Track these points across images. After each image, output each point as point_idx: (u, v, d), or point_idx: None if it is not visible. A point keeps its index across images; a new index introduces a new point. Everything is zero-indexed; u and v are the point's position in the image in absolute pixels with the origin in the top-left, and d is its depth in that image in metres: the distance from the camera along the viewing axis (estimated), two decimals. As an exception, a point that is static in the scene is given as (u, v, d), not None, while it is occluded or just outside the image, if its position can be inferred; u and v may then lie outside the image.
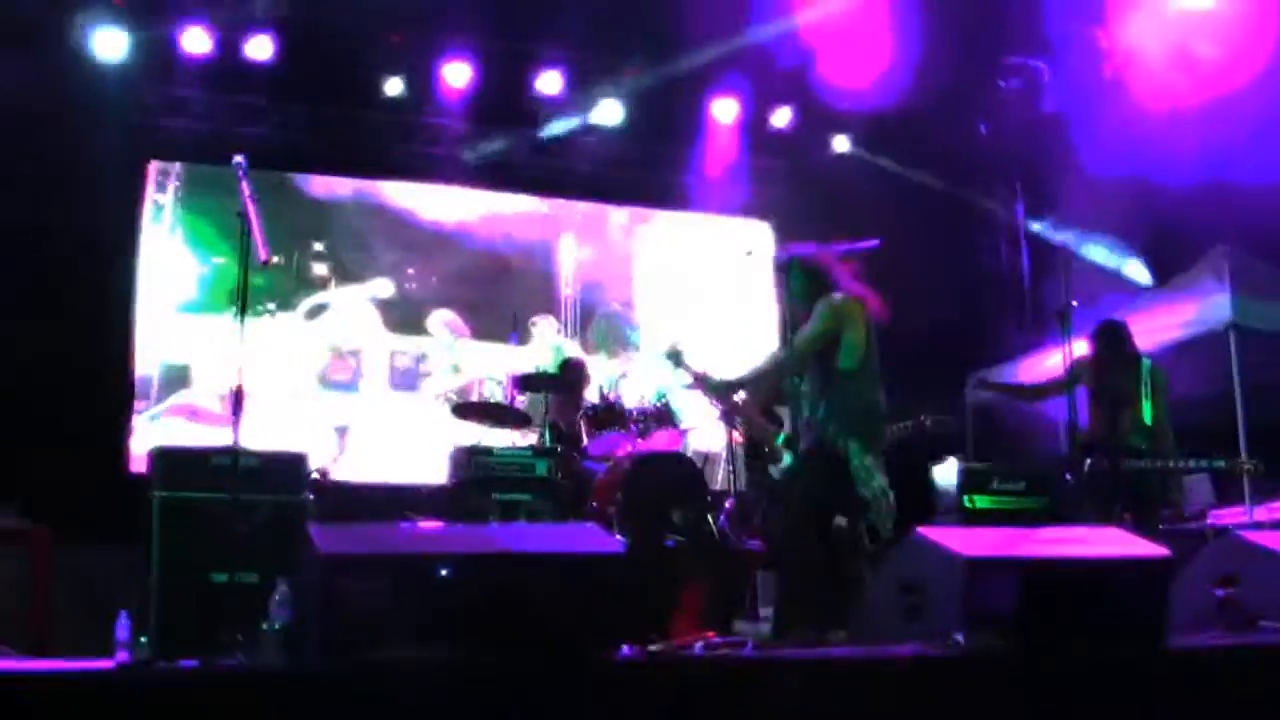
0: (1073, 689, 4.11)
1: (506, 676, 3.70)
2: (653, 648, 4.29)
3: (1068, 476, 7.36)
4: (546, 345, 11.05)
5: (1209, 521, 8.53)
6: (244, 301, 4.99)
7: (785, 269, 6.27)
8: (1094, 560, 4.63)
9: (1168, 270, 9.62)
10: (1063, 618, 4.36)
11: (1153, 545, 4.86)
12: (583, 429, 8.03)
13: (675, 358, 6.60)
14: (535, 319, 11.07)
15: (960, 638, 4.21)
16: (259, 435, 8.15)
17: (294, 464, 6.67)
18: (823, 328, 5.91)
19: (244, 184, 5.04)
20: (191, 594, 5.99)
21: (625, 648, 4.01)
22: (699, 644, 4.43)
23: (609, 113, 10.79)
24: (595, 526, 4.25)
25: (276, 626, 4.23)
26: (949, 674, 4.13)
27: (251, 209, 4.97)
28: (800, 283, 6.13)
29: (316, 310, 10.48)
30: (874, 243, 5.90)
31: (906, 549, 4.65)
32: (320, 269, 10.52)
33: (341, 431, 10.22)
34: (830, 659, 4.21)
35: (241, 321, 4.98)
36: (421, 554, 3.88)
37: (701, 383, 6.55)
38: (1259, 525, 7.97)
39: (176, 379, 10.01)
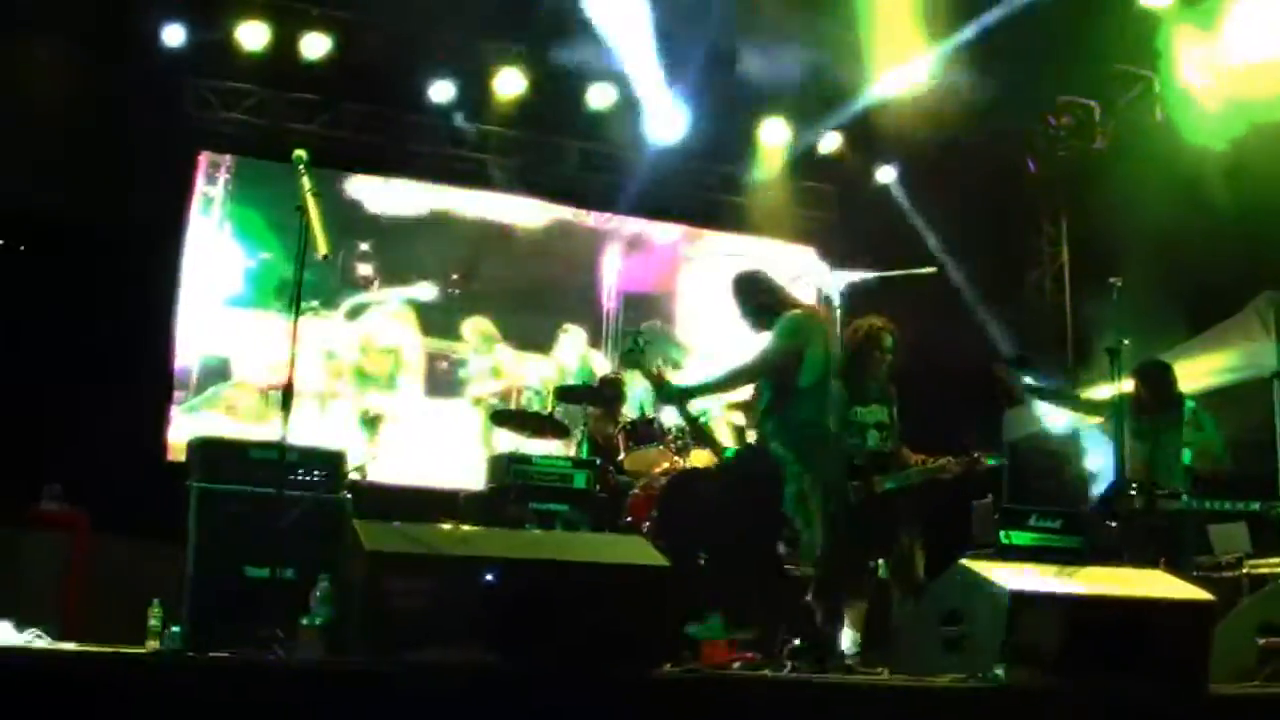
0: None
1: (545, 684, 3.69)
2: (690, 666, 4.28)
3: (1103, 516, 7.33)
4: (574, 354, 11.06)
5: (1245, 570, 8.44)
6: (299, 297, 4.98)
7: (740, 286, 6.21)
8: (1137, 600, 4.61)
9: (1211, 316, 9.54)
10: (1103, 656, 4.33)
11: (1195, 588, 4.83)
12: (620, 443, 8.02)
13: (631, 357, 6.53)
14: (566, 325, 11.08)
15: (1000, 671, 4.18)
16: (295, 431, 8.19)
17: (334, 461, 6.66)
18: (788, 343, 5.86)
19: (305, 179, 5.04)
20: (227, 587, 5.96)
21: (665, 664, 3.99)
22: (737, 663, 4.41)
23: (666, 129, 10.80)
24: (641, 539, 4.24)
25: (317, 622, 4.24)
26: (987, 707, 4.11)
27: (312, 204, 4.97)
28: (754, 299, 6.12)
29: (358, 310, 10.52)
30: (933, 269, 5.81)
31: (949, 580, 4.62)
32: (364, 269, 10.56)
33: (375, 431, 10.24)
34: (871, 686, 4.19)
35: (295, 317, 4.97)
36: (468, 556, 3.88)
37: (656, 386, 6.40)
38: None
39: (216, 372, 10.06)
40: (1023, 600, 4.29)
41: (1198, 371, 8.54)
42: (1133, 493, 7.04)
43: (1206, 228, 9.66)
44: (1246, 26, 9.46)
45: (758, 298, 6.13)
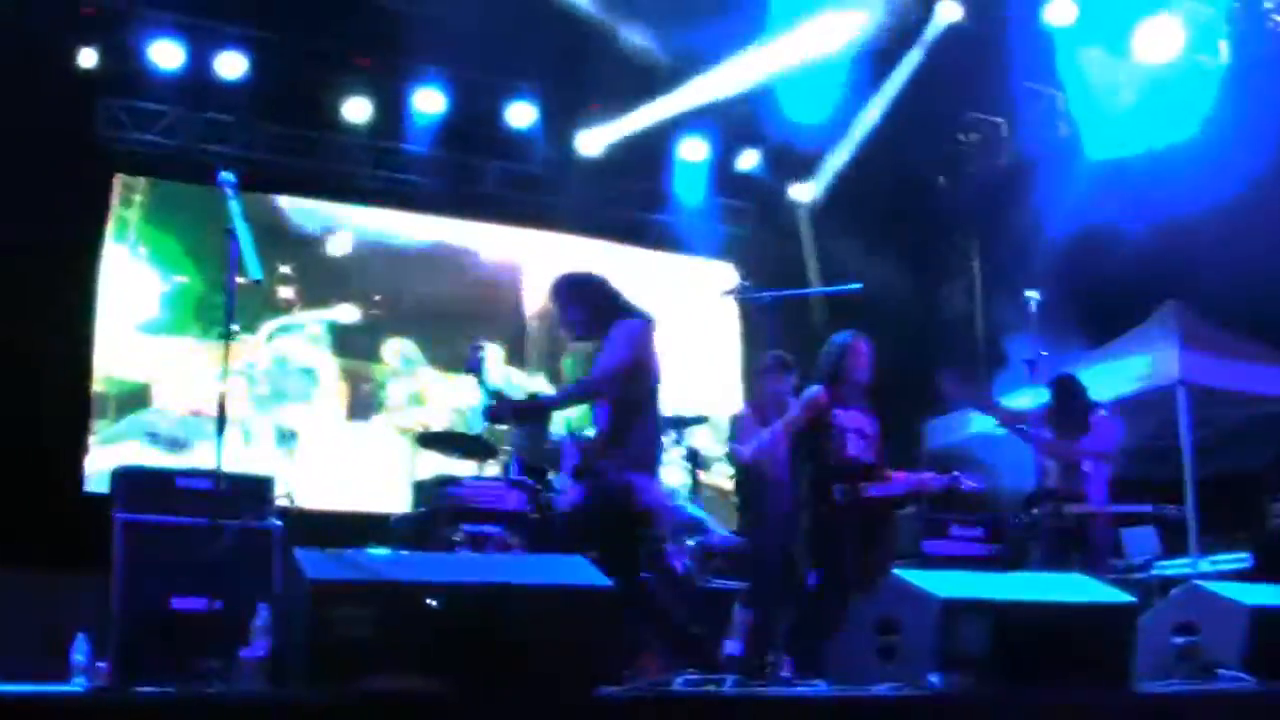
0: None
1: (491, 711, 3.70)
2: (634, 684, 4.31)
3: (1020, 523, 7.50)
4: (498, 373, 11.05)
5: (1154, 572, 8.69)
6: (230, 322, 4.93)
7: (572, 288, 5.73)
8: (1063, 605, 4.74)
9: (1118, 325, 9.80)
10: (1033, 660, 4.45)
11: (1118, 592, 4.98)
12: (550, 461, 8.03)
13: (475, 368, 6.29)
14: (484, 344, 11.05)
15: (935, 678, 4.27)
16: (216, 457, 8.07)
17: (261, 488, 6.61)
18: (628, 354, 5.42)
19: (232, 202, 4.99)
20: (155, 619, 5.89)
21: (607, 685, 4.02)
22: (679, 680, 4.46)
23: (588, 145, 10.84)
24: (583, 560, 4.27)
25: (258, 654, 4.20)
26: (924, 714, 4.20)
27: (241, 228, 4.93)
28: (589, 302, 5.64)
29: (279, 333, 10.42)
30: (856, 286, 5.82)
31: (883, 590, 4.72)
32: (285, 292, 10.47)
33: (292, 453, 10.16)
34: (810, 698, 4.26)
35: (227, 343, 4.92)
36: (412, 583, 3.88)
37: (496, 400, 5.87)
38: (1204, 576, 8.13)
39: (135, 399, 9.89)
40: (954, 608, 4.39)
41: (1106, 380, 8.75)
42: (1049, 500, 7.22)
43: (1112, 240, 9.96)
44: (1150, 40, 9.78)
45: (594, 301, 5.62)
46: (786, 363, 6.80)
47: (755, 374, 6.67)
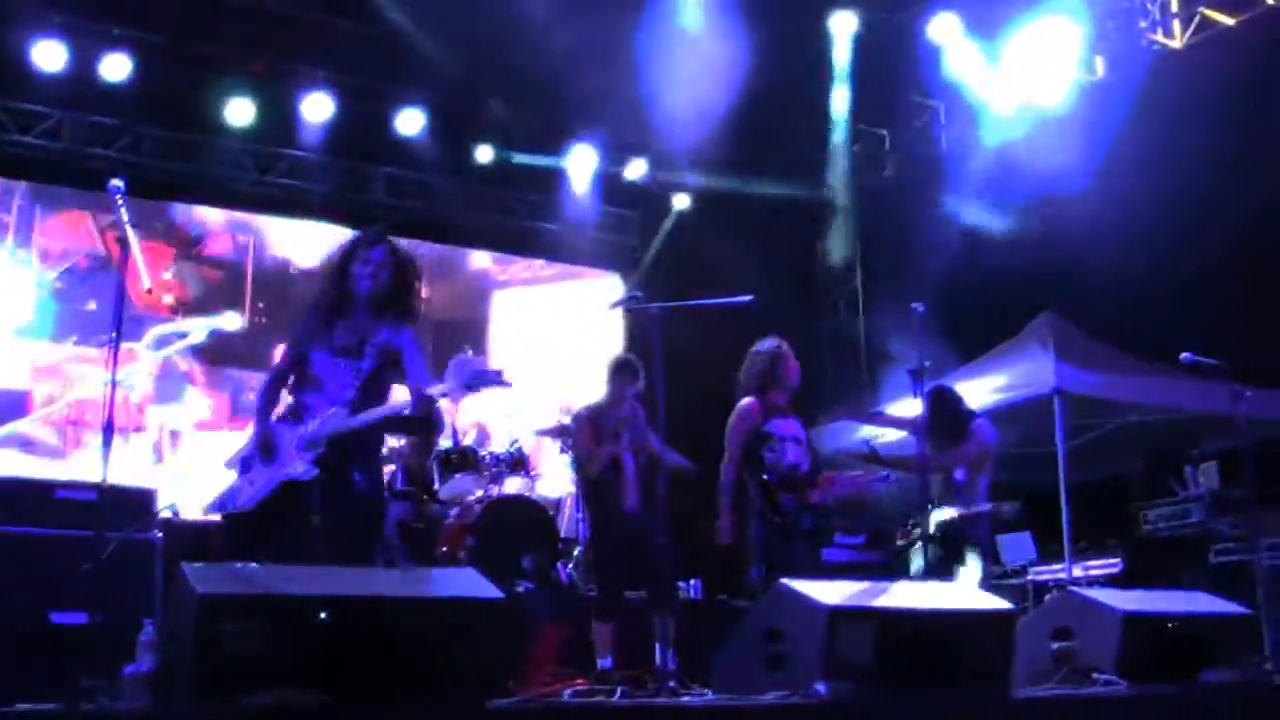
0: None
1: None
2: (523, 695, 4.32)
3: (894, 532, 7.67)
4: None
5: (1029, 577, 8.94)
6: (119, 330, 4.81)
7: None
8: (945, 612, 4.86)
9: (994, 337, 10.02)
10: (917, 667, 4.55)
11: (997, 599, 5.13)
12: (435, 472, 8.01)
13: None
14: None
15: (821, 687, 4.35)
16: (88, 466, 7.86)
17: (142, 499, 6.48)
18: None
19: (122, 209, 4.87)
20: (29, 634, 5.74)
21: (498, 697, 4.03)
22: (568, 691, 4.48)
23: (479, 155, 10.83)
24: (474, 572, 4.27)
25: (143, 669, 4.13)
26: (810, 722, 4.28)
27: (131, 235, 4.82)
28: None
29: (161, 340, 10.19)
30: (747, 298, 5.84)
31: (770, 600, 4.79)
32: (168, 298, 10.25)
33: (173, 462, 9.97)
34: (698, 708, 4.31)
35: (115, 350, 4.80)
36: (301, 596, 3.84)
37: None
38: (1075, 581, 8.39)
39: (10, 406, 9.58)
40: (839, 616, 4.47)
41: (983, 390, 8.96)
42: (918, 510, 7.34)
43: (991, 250, 10.24)
44: (1027, 46, 10.09)
45: None
46: (634, 367, 6.73)
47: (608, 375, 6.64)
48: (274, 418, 5.03)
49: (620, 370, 6.70)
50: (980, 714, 4.45)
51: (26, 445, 9.50)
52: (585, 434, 6.62)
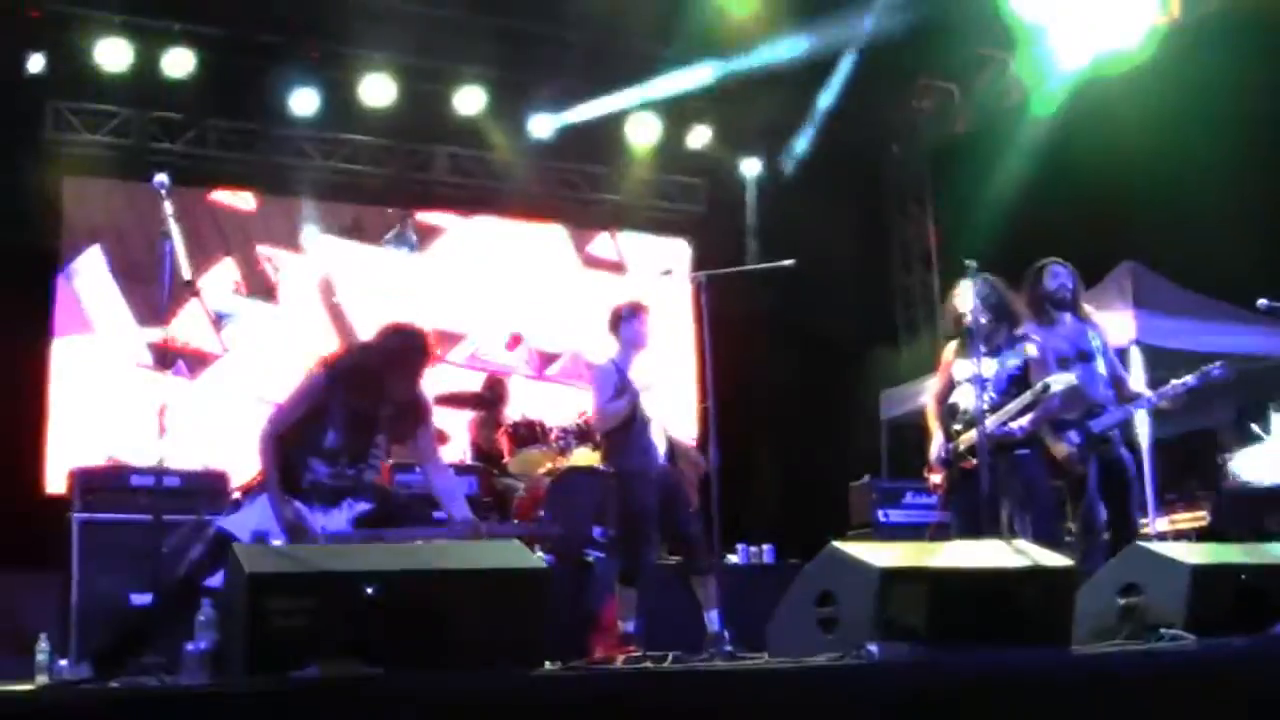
0: (982, 695, 4.24)
1: (431, 694, 3.74)
2: (574, 663, 4.36)
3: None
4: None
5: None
6: (165, 320, 4.94)
7: None
8: (1000, 570, 4.79)
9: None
10: (972, 627, 4.50)
11: (1057, 556, 5.04)
12: (504, 446, 8.08)
13: None
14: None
15: (873, 648, 4.32)
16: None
17: (216, 482, 6.65)
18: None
19: (166, 203, 4.98)
20: (112, 616, 5.94)
21: (548, 664, 4.07)
22: (620, 658, 4.51)
23: (541, 128, 10.85)
24: (519, 544, 4.31)
25: (202, 647, 4.24)
26: (863, 684, 4.24)
27: (175, 229, 4.92)
28: None
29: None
30: (789, 262, 5.86)
31: (821, 562, 4.76)
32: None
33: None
34: (751, 671, 4.30)
35: (164, 340, 4.93)
36: (348, 571, 3.92)
37: None
38: (1161, 535, 8.21)
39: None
40: (891, 577, 4.43)
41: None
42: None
43: (1066, 203, 10.01)
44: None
45: None
46: (630, 308, 6.70)
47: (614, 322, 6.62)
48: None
49: (621, 317, 6.67)
50: (1037, 672, 4.37)
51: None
52: (604, 389, 6.52)
